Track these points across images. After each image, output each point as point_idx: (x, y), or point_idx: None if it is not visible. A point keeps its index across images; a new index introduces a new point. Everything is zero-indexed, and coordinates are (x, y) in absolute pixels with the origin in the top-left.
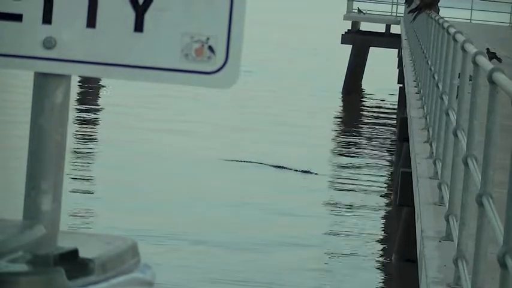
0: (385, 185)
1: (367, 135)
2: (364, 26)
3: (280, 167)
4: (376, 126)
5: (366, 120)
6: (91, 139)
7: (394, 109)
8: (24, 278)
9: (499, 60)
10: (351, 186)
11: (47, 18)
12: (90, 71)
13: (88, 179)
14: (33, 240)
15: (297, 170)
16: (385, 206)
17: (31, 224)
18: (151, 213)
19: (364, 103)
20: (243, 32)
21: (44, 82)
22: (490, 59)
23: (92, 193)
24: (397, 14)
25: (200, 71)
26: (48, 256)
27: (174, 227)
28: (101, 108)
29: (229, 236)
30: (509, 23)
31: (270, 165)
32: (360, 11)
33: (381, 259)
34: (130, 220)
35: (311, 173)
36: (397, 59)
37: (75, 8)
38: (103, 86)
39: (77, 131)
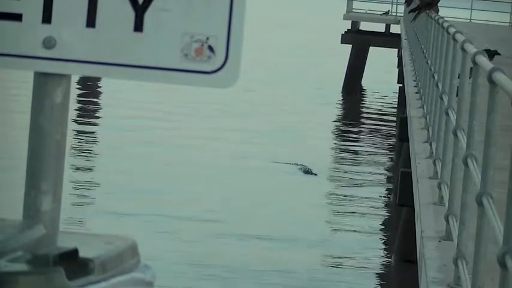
0: (385, 185)
1: (367, 135)
2: (364, 26)
3: (291, 164)
4: (376, 126)
5: (366, 120)
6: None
7: (393, 109)
8: (23, 277)
9: (497, 53)
10: (350, 186)
11: (47, 18)
12: (90, 71)
13: (108, 181)
14: (33, 240)
15: (298, 165)
16: (385, 206)
17: (31, 224)
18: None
19: (364, 103)
20: (243, 32)
21: (43, 82)
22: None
23: (114, 194)
24: (397, 14)
25: (200, 71)
26: (47, 256)
27: (179, 215)
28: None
29: (226, 228)
30: (509, 22)
31: (271, 163)
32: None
33: (380, 259)
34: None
35: (311, 173)
36: (397, 58)
37: (75, 7)
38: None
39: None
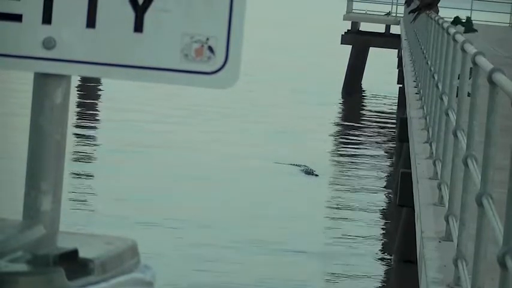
0: (385, 186)
1: (367, 136)
2: (364, 26)
3: (292, 165)
4: (376, 127)
5: (366, 121)
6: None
7: (393, 109)
8: (23, 278)
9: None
10: (350, 187)
11: (47, 19)
12: (90, 71)
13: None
14: (33, 240)
15: (300, 166)
16: (385, 206)
17: (31, 224)
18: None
19: (364, 104)
20: (243, 33)
21: (43, 82)
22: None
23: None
24: (397, 14)
25: (200, 71)
26: (47, 256)
27: (178, 217)
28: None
29: (227, 233)
30: (509, 23)
31: (272, 163)
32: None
33: (380, 260)
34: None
35: (312, 173)
36: (397, 59)
37: (75, 8)
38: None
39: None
